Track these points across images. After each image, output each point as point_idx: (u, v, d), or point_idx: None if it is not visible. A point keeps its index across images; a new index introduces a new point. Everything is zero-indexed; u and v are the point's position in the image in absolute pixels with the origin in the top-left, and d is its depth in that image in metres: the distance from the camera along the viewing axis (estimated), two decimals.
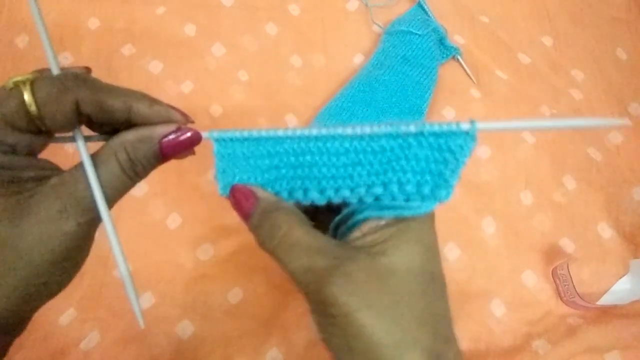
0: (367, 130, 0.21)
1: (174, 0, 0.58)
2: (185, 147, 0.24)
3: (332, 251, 0.22)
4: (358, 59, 0.59)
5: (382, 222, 0.22)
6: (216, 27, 0.58)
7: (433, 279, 0.22)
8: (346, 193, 0.22)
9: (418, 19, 0.58)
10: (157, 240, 0.48)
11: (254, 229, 0.24)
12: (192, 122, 0.25)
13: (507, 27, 0.62)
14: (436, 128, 0.20)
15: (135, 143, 0.23)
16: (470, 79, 0.59)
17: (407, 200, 0.21)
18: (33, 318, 0.25)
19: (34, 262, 0.21)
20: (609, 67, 0.62)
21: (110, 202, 0.23)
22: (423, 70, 0.56)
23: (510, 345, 0.47)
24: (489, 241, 0.51)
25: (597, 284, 0.49)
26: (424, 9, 0.60)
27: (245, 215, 0.24)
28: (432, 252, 0.23)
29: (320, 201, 0.23)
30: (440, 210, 0.23)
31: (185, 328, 0.45)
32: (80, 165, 0.22)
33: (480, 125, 0.20)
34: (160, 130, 0.23)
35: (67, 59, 0.55)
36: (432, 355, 0.20)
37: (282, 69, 0.57)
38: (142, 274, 0.46)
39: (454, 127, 0.20)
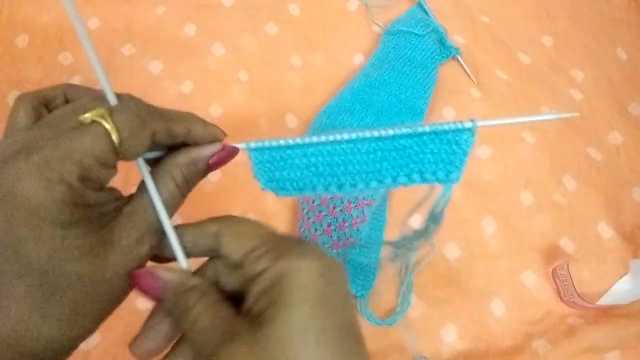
0: (391, 132, 0.26)
1: (174, 0, 0.58)
2: (226, 161, 0.27)
3: (226, 328, 0.21)
4: (358, 59, 0.59)
5: (264, 286, 0.21)
6: (216, 27, 0.58)
7: (337, 336, 0.20)
8: (375, 184, 0.27)
9: (418, 19, 0.58)
10: None
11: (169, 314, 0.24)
12: (226, 136, 0.27)
13: (507, 27, 0.62)
14: (445, 127, 0.25)
15: (189, 165, 0.25)
16: (470, 79, 0.59)
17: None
18: None
19: (116, 290, 0.22)
20: (609, 67, 0.62)
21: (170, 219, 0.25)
22: (423, 70, 0.56)
23: (510, 345, 0.47)
24: (489, 241, 0.51)
25: (597, 284, 0.49)
26: (424, 9, 0.60)
27: (157, 299, 0.24)
28: (331, 309, 0.20)
29: (353, 192, 0.28)
30: None
31: None
32: (142, 190, 0.24)
33: (479, 123, 0.25)
34: (209, 150, 0.26)
35: (67, 59, 0.55)
36: None
37: (282, 69, 0.57)
38: None
39: (459, 126, 0.25)
